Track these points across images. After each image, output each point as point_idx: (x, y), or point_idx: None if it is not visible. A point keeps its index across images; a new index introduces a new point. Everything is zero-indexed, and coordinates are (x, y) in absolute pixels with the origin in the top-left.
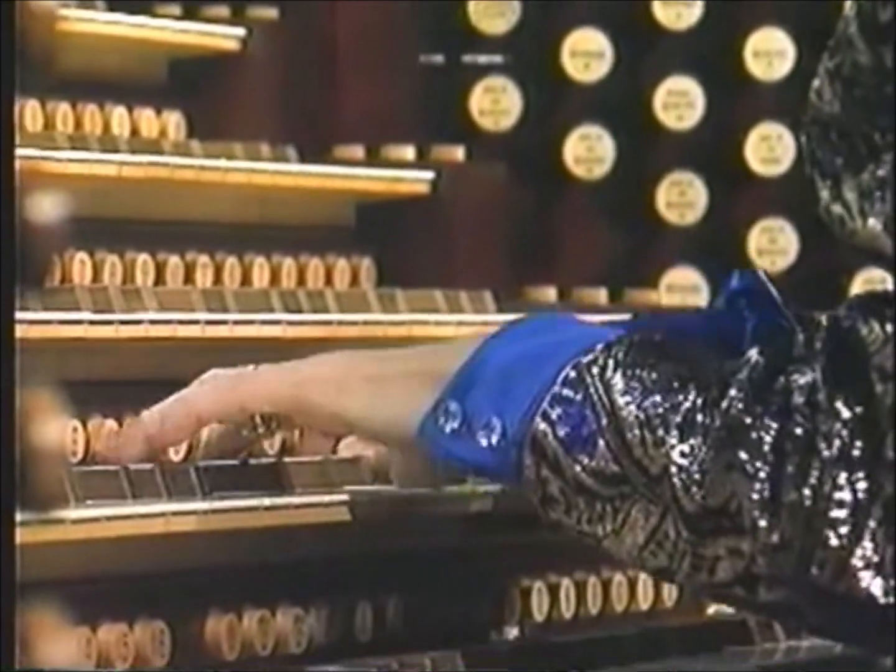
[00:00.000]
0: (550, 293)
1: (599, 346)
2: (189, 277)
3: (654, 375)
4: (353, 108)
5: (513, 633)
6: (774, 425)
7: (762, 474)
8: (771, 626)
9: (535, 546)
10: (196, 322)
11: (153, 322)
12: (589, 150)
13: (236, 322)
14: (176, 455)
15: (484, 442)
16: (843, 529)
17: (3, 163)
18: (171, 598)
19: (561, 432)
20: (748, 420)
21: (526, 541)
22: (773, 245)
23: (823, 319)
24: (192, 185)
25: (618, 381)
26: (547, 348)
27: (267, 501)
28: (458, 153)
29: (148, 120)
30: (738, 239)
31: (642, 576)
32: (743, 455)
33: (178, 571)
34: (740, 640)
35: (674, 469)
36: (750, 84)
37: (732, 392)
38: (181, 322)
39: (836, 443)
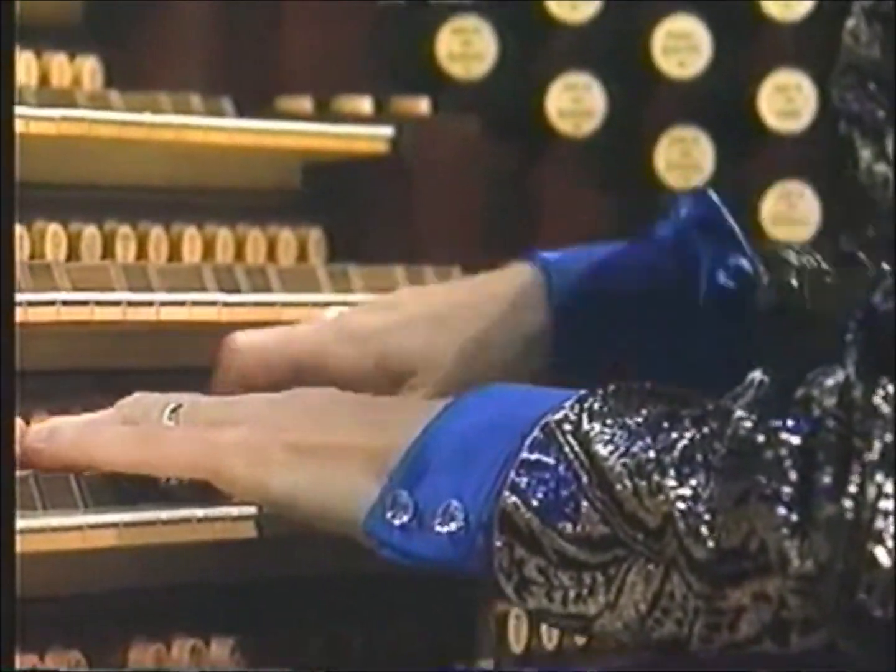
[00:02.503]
0: None
1: (568, 403)
2: (108, 251)
3: (638, 419)
4: (298, 53)
5: (487, 666)
6: (795, 440)
7: (786, 496)
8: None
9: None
10: (116, 303)
11: (66, 303)
12: (575, 102)
13: (163, 303)
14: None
15: (443, 531)
16: (893, 544)
17: None
18: (89, 623)
19: (534, 501)
20: (761, 439)
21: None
22: (791, 212)
23: (857, 312)
24: (111, 142)
25: (596, 431)
26: (506, 416)
27: (199, 513)
28: (423, 105)
29: (59, 66)
30: (751, 205)
31: None
32: (759, 479)
33: (96, 593)
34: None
35: (677, 515)
36: (764, 25)
37: (738, 414)
38: (98, 303)
39: (878, 444)
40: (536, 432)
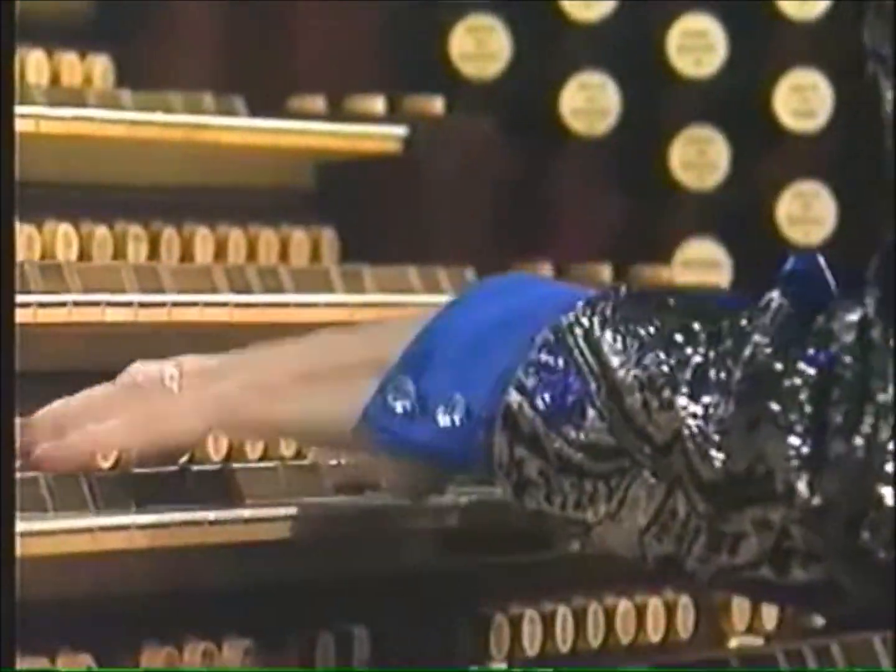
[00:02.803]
0: (544, 270)
1: (580, 304)
2: (119, 251)
3: (651, 329)
4: (311, 53)
5: (501, 668)
6: (812, 371)
7: (799, 427)
8: (803, 659)
9: (526, 567)
10: (128, 304)
11: (77, 304)
12: (590, 102)
13: (175, 304)
14: (104, 461)
15: (444, 421)
16: None
17: None
18: (100, 627)
19: (540, 403)
20: (779, 367)
21: (516, 561)
22: (806, 213)
23: (878, 251)
24: (121, 142)
25: (608, 340)
26: (515, 312)
27: (211, 515)
28: (436, 105)
29: (70, 65)
30: (766, 206)
31: (652, 603)
32: (774, 407)
33: (107, 596)
34: None
35: (686, 433)
36: (780, 24)
37: (756, 338)
38: (110, 304)
39: (892, 387)
40: (547, 333)
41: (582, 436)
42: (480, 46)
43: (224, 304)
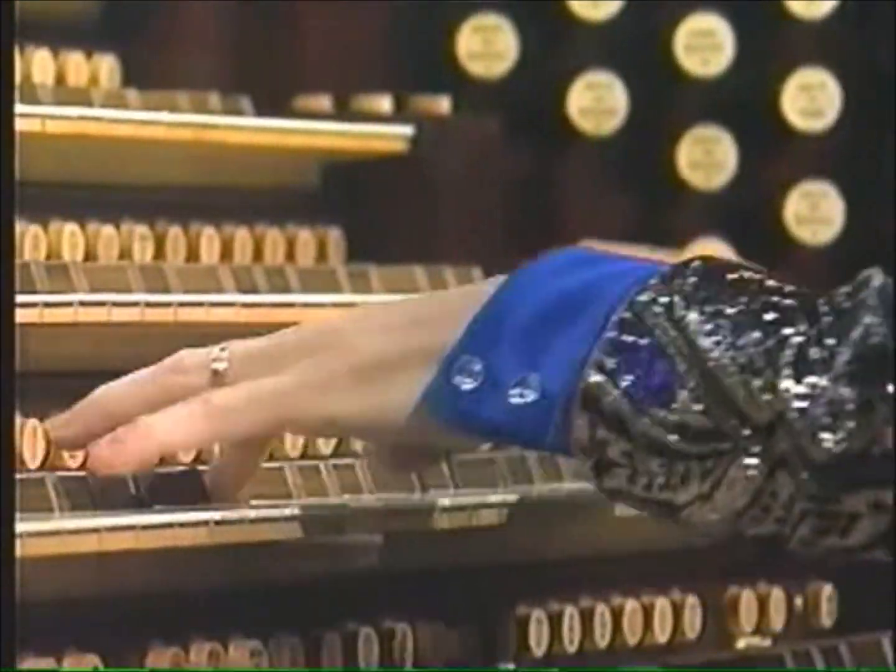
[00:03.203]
0: None
1: (653, 281)
2: (125, 251)
3: (740, 308)
4: (317, 52)
5: (508, 669)
6: None
7: None
8: (811, 659)
9: (533, 567)
10: (134, 304)
11: (83, 304)
12: (597, 101)
13: (181, 304)
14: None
15: (517, 400)
16: None
17: None
18: (106, 627)
19: (623, 383)
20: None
21: (522, 560)
22: (814, 212)
23: None
24: (127, 142)
25: (694, 320)
26: (587, 288)
27: (217, 516)
28: (443, 104)
29: (76, 65)
30: (774, 205)
31: (660, 603)
32: (888, 386)
33: (114, 596)
34: None
35: (793, 415)
36: (787, 23)
37: (866, 319)
38: (116, 304)
39: None
40: (624, 312)
41: (673, 417)
42: (487, 46)
43: (231, 304)
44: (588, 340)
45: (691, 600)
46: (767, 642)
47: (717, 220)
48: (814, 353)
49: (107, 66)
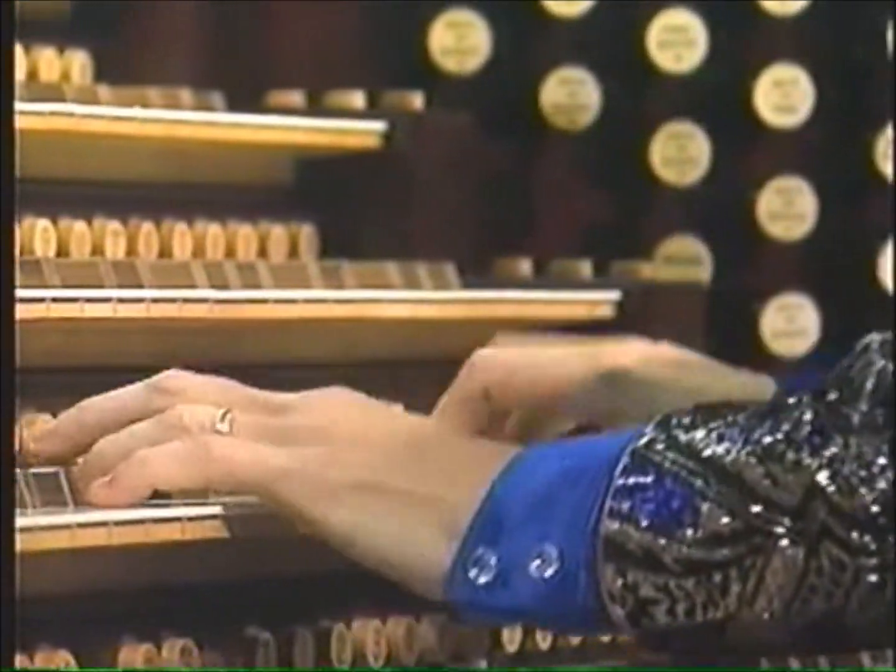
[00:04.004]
0: (525, 266)
1: (649, 428)
2: (97, 247)
3: (742, 416)
4: (290, 47)
5: (480, 666)
6: None
7: None
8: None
9: None
10: (106, 300)
11: (55, 300)
12: (571, 97)
13: (154, 300)
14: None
15: (538, 576)
16: None
17: None
18: (78, 624)
19: (644, 521)
20: None
21: None
22: (787, 208)
23: None
24: (100, 137)
25: (701, 438)
26: (577, 462)
27: (191, 512)
28: (416, 100)
29: (48, 60)
30: (747, 201)
31: None
32: None
33: (86, 593)
34: (747, 669)
35: (824, 482)
36: (761, 19)
37: (877, 367)
38: (88, 300)
39: None
40: (625, 459)
41: (701, 532)
42: (460, 41)
43: (203, 301)
44: (597, 496)
45: None
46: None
47: (690, 216)
48: (829, 424)
49: (79, 62)
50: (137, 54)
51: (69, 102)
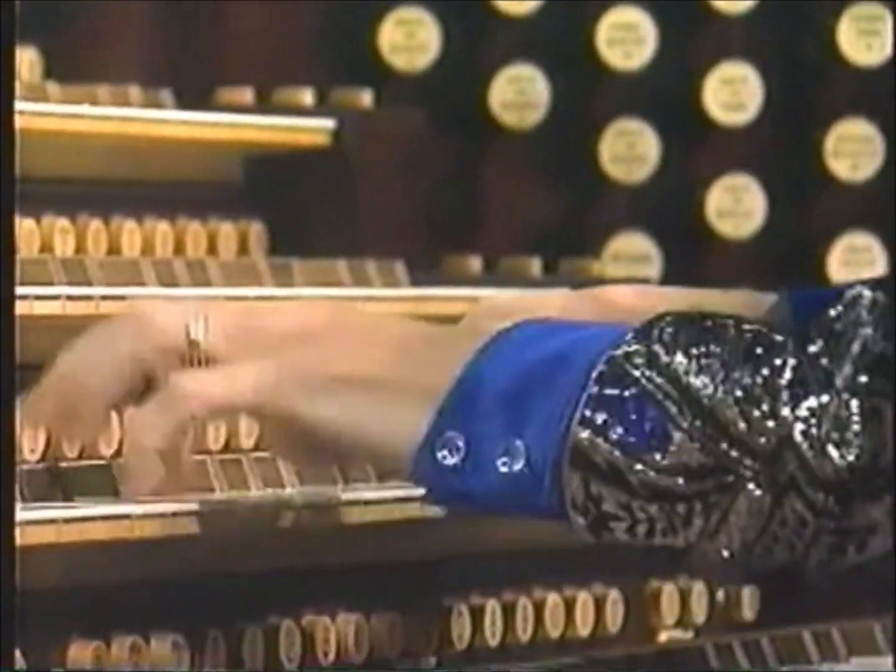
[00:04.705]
0: (474, 263)
1: (629, 335)
2: (46, 244)
3: (727, 347)
4: (239, 45)
5: (429, 663)
6: None
7: None
8: (732, 653)
9: (453, 560)
10: (55, 297)
11: None
12: (520, 94)
13: (103, 297)
14: (32, 454)
15: (504, 469)
16: None
17: None
18: (26, 622)
19: (614, 435)
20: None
21: (441, 554)
22: (736, 206)
23: None
24: (49, 135)
25: (681, 362)
26: (561, 353)
27: (139, 510)
28: (365, 97)
29: None
30: (696, 199)
31: (582, 596)
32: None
33: (34, 591)
34: (696, 669)
35: (798, 437)
36: (710, 17)
37: (863, 332)
38: (38, 297)
39: None
40: (603, 367)
41: (670, 460)
42: (410, 39)
43: (152, 298)
44: (570, 400)
45: (613, 594)
46: (689, 635)
47: (639, 214)
48: (810, 376)
49: (28, 59)
50: (87, 52)
51: (18, 100)
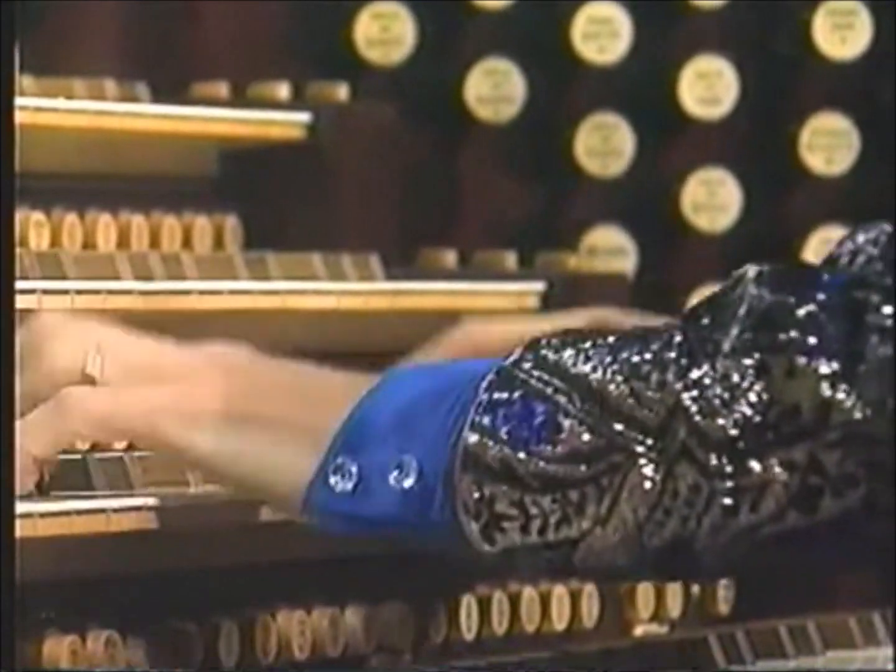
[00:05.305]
0: (449, 257)
1: (517, 350)
2: (21, 238)
3: (611, 339)
4: (214, 38)
5: (405, 658)
6: (825, 295)
7: (824, 346)
8: (708, 646)
9: (429, 555)
10: (31, 291)
11: None
12: (495, 88)
13: (78, 292)
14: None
15: (398, 487)
16: None
17: None
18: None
19: (503, 434)
20: (791, 300)
21: (417, 551)
22: (712, 200)
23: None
24: (24, 128)
25: (569, 357)
26: (450, 376)
27: (115, 503)
28: (341, 91)
29: None
30: (672, 193)
31: (557, 590)
32: (791, 335)
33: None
34: (672, 664)
35: (687, 403)
36: (685, 10)
37: (751, 291)
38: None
39: None
40: (491, 376)
41: (561, 447)
42: (385, 33)
43: (128, 292)
44: (459, 412)
45: (588, 588)
46: (665, 629)
47: (614, 208)
48: (698, 347)
49: None
50: (62, 45)
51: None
